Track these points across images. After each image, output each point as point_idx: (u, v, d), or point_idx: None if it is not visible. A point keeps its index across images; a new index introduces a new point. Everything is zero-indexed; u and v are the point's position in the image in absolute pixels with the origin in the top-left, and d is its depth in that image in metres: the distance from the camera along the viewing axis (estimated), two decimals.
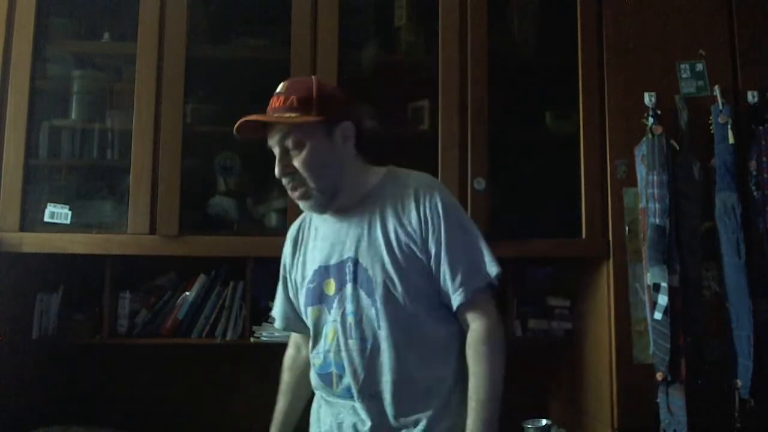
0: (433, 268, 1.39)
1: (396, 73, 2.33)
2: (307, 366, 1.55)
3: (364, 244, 1.41)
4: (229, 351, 2.29)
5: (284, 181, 1.42)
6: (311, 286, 1.47)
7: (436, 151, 2.08)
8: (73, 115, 2.18)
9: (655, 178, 1.97)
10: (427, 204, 1.40)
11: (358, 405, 1.39)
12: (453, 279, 1.38)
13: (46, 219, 2.05)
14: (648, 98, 2.05)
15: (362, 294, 1.39)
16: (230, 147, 2.22)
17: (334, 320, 1.42)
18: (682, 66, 2.09)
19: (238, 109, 2.21)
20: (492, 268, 1.40)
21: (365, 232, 1.42)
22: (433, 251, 1.38)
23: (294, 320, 1.59)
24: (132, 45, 2.09)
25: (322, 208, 1.45)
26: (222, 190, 2.24)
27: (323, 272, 1.45)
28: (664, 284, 1.91)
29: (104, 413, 2.17)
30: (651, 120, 2.03)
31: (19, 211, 2.02)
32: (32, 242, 2.01)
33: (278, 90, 1.43)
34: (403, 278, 1.37)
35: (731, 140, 1.99)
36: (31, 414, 2.05)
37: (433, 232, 1.38)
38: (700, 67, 2.09)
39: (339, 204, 1.45)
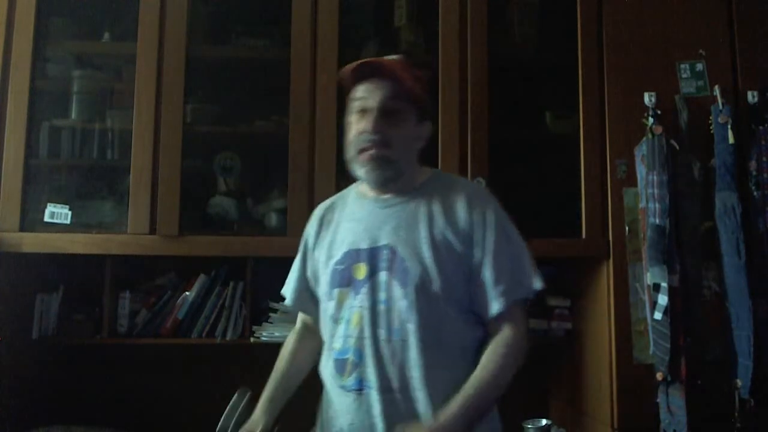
0: (475, 273, 1.37)
1: None
2: (305, 358, 1.54)
3: (403, 234, 1.39)
4: (229, 351, 2.29)
5: (369, 137, 1.38)
6: (339, 267, 1.43)
7: (436, 151, 2.08)
8: (73, 115, 2.18)
9: (655, 178, 1.97)
10: (479, 211, 1.39)
11: (374, 397, 1.34)
12: (495, 287, 1.36)
13: (46, 219, 2.05)
14: (648, 98, 2.05)
15: (396, 284, 1.36)
16: (230, 147, 2.23)
17: (361, 306, 1.38)
18: (682, 66, 2.09)
19: (238, 109, 2.26)
20: (535, 283, 1.39)
21: (406, 223, 1.40)
22: (477, 257, 1.37)
23: (307, 300, 1.55)
24: (132, 45, 2.09)
25: (383, 185, 1.43)
26: (222, 190, 2.24)
27: (354, 255, 1.41)
28: (664, 284, 1.91)
29: (104, 413, 2.17)
30: (651, 120, 2.03)
31: (19, 211, 2.02)
32: (32, 242, 2.01)
33: (394, 57, 1.48)
34: (441, 275, 1.35)
35: (731, 140, 1.99)
36: (31, 414, 2.05)
37: (481, 238, 1.37)
38: (700, 67, 2.09)
39: (392, 188, 1.44)
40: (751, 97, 2.06)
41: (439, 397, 1.32)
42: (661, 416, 1.91)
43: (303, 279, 1.55)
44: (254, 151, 2.29)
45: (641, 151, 2.03)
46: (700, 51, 2.10)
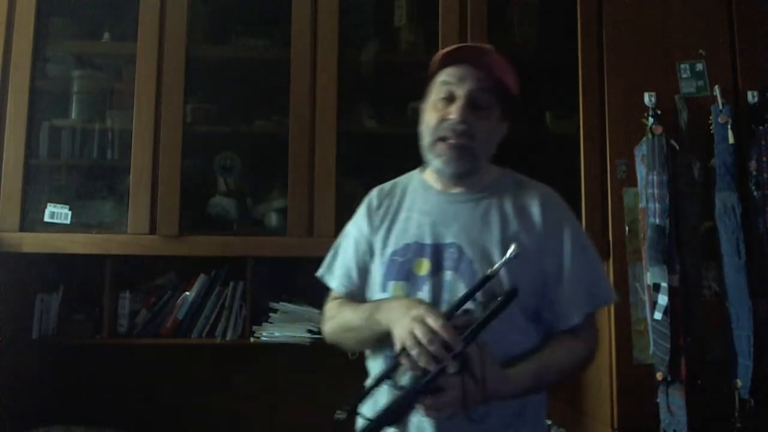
0: (550, 284, 1.30)
1: (396, 73, 2.33)
2: None
3: (474, 234, 1.30)
4: (229, 351, 2.29)
5: (449, 125, 1.29)
6: (399, 259, 1.32)
7: None
8: (73, 115, 2.18)
9: (655, 178, 1.97)
10: (555, 218, 1.33)
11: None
12: (571, 299, 1.29)
13: (46, 219, 2.05)
14: (648, 98, 2.05)
15: (461, 285, 1.26)
16: (230, 147, 2.23)
17: None
18: (682, 66, 2.09)
19: (238, 109, 2.26)
20: (609, 295, 1.35)
21: (478, 222, 1.31)
22: (553, 267, 1.30)
23: (357, 287, 1.41)
24: (132, 45, 2.09)
25: (459, 176, 1.34)
26: (222, 190, 2.24)
27: (418, 249, 1.31)
28: (664, 284, 1.91)
29: (104, 413, 2.17)
30: (651, 120, 2.03)
31: (19, 211, 2.02)
32: (32, 242, 2.01)
33: (483, 45, 1.39)
34: (510, 280, 1.24)
35: (731, 140, 1.99)
36: (31, 414, 2.05)
37: (557, 247, 1.30)
38: (700, 67, 2.09)
39: (465, 182, 1.35)
40: (751, 97, 2.06)
41: (494, 409, 1.22)
42: (661, 416, 1.91)
43: (355, 264, 1.42)
44: (254, 151, 2.29)
45: (641, 151, 2.03)
46: (700, 51, 2.09)
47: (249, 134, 2.25)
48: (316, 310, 2.17)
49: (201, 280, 2.20)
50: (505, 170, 1.44)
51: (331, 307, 1.45)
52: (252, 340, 2.12)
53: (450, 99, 1.31)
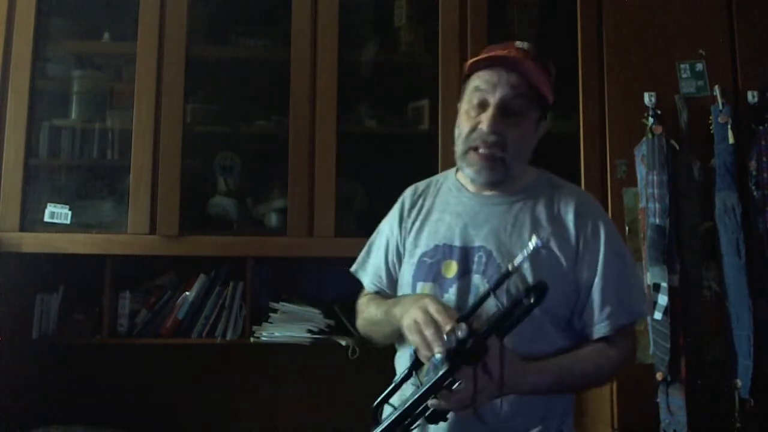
0: (582, 292, 1.27)
1: (396, 73, 2.33)
2: None
3: (504, 237, 1.28)
4: (229, 351, 2.29)
5: (480, 135, 1.27)
6: (428, 260, 1.32)
7: (436, 151, 2.08)
8: (73, 115, 2.18)
9: (655, 178, 1.97)
10: (589, 224, 1.29)
11: None
12: (601, 310, 1.25)
13: (46, 219, 2.05)
14: (648, 98, 2.05)
15: None
16: (230, 147, 2.23)
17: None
18: (682, 66, 2.09)
19: (238, 109, 2.26)
20: (642, 307, 1.31)
21: (509, 226, 1.29)
22: (584, 276, 1.26)
23: (387, 285, 1.42)
24: (132, 45, 2.09)
25: (490, 186, 1.33)
26: (222, 190, 2.24)
27: (447, 251, 1.30)
28: (664, 284, 1.91)
29: (104, 413, 2.17)
30: (651, 120, 2.03)
31: (19, 211, 2.03)
32: (32, 242, 2.02)
33: (521, 45, 1.31)
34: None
35: (731, 140, 1.99)
36: (31, 414, 2.05)
37: (590, 255, 1.27)
38: (700, 67, 2.09)
39: (498, 187, 1.33)
40: (751, 97, 2.06)
41: (520, 411, 1.23)
42: (661, 416, 1.91)
43: (386, 263, 1.43)
44: (254, 151, 2.29)
45: (641, 151, 2.03)
46: (700, 51, 2.09)
47: (249, 134, 2.25)
48: (316, 310, 2.18)
49: (201, 280, 2.20)
50: (541, 171, 1.41)
51: (362, 302, 1.47)
52: (252, 340, 2.12)
53: (483, 106, 1.29)
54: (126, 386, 2.29)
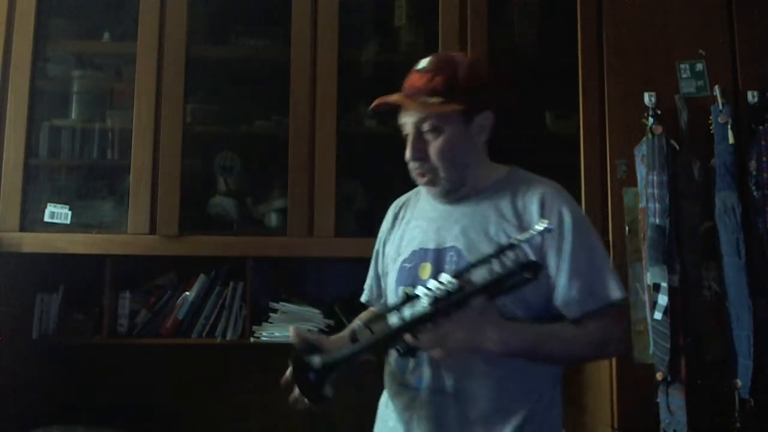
0: (550, 279, 1.29)
1: (396, 73, 2.32)
2: None
3: (472, 236, 1.32)
4: (229, 351, 2.29)
5: (412, 164, 1.36)
6: (407, 265, 1.39)
7: None
8: (73, 115, 2.19)
9: (655, 178, 1.97)
10: (554, 213, 1.30)
11: (425, 398, 1.31)
12: (568, 296, 1.28)
13: (46, 219, 2.05)
14: (648, 98, 2.05)
15: None
16: (230, 147, 2.23)
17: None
18: (682, 66, 2.09)
19: (238, 109, 2.26)
20: (613, 292, 1.30)
21: (477, 225, 1.33)
22: (552, 264, 1.29)
23: (377, 296, 1.53)
24: (132, 45, 2.09)
25: (446, 196, 1.39)
26: (222, 190, 2.25)
27: (422, 255, 1.37)
28: (664, 284, 1.91)
29: (104, 413, 2.17)
30: (651, 120, 2.03)
31: (19, 211, 2.03)
32: (32, 242, 2.02)
33: (422, 65, 1.35)
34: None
35: (731, 140, 1.99)
36: (31, 414, 2.05)
37: (555, 244, 1.29)
38: (700, 67, 2.09)
39: (461, 194, 1.38)
40: (751, 97, 2.06)
41: (506, 408, 1.27)
42: (661, 416, 1.91)
43: (375, 275, 1.53)
44: (254, 151, 2.29)
45: (641, 151, 2.03)
46: (700, 51, 2.09)
47: (249, 134, 2.25)
48: (316, 310, 2.18)
49: (201, 280, 2.20)
50: (512, 168, 1.44)
51: (361, 315, 1.57)
52: (252, 340, 2.12)
53: (407, 138, 1.37)
54: (126, 386, 2.29)
